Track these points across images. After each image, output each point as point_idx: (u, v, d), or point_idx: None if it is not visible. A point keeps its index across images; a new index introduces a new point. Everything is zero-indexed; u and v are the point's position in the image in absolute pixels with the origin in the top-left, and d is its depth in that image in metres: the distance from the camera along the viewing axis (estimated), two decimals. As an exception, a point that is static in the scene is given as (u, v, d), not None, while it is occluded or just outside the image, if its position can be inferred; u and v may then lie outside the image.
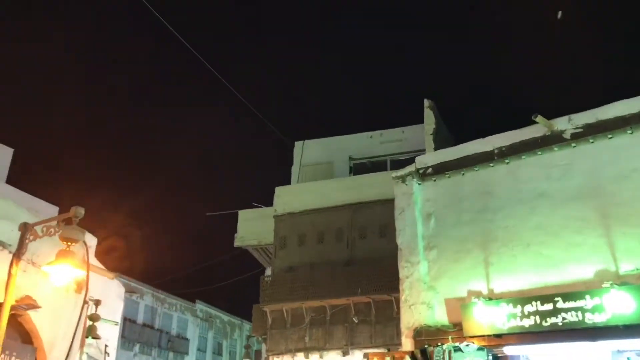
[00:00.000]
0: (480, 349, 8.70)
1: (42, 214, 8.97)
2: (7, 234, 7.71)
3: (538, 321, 8.43)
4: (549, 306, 8.40)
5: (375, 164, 17.90)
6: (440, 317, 9.58)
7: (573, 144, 9.25)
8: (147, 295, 32.27)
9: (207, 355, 36.53)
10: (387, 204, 13.97)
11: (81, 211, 6.81)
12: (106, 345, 17.27)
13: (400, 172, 10.60)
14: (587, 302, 8.03)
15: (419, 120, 16.73)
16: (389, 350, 9.78)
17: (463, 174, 10.18)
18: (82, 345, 9.90)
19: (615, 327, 7.82)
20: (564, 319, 8.13)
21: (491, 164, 9.87)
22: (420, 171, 10.46)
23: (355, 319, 14.67)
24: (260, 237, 18.50)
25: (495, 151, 9.77)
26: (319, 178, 17.69)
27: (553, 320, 8.29)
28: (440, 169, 10.31)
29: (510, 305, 8.73)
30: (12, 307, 8.33)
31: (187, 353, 34.34)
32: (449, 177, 10.29)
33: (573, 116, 9.35)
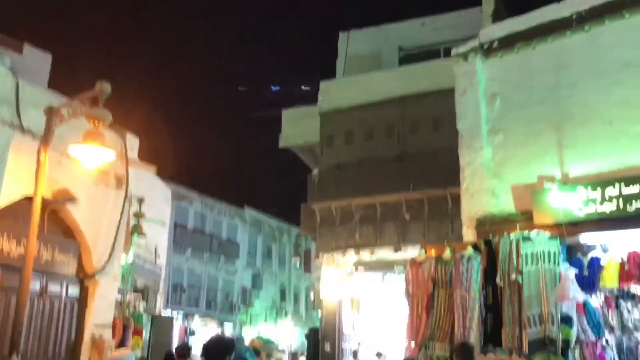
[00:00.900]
0: (552, 237, 7.87)
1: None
2: (37, 122, 7.11)
3: (621, 205, 7.50)
4: (634, 188, 7.42)
5: (427, 54, 16.50)
6: (506, 205, 8.74)
7: (669, 3, 7.86)
8: (196, 202, 32.69)
9: (257, 259, 37.39)
10: (441, 95, 12.85)
11: (107, 87, 6.09)
12: (156, 247, 17.38)
13: (462, 49, 9.42)
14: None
15: (476, 2, 15.19)
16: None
17: (534, 48, 8.93)
18: (126, 242, 9.58)
19: None
20: (651, 202, 7.19)
21: (568, 33, 8.56)
22: (485, 46, 9.25)
23: (406, 216, 14.03)
24: (306, 137, 17.72)
25: (574, 16, 8.43)
26: (366, 71, 16.48)
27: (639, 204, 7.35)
28: (508, 43, 9.07)
29: (589, 189, 7.79)
30: (50, 201, 7.94)
31: (237, 257, 35.17)
32: (517, 51, 9.06)
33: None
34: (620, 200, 7.49)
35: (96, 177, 8.82)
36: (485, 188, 8.90)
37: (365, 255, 14.48)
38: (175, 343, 23.05)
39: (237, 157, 56.62)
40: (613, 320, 8.07)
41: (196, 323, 30.12)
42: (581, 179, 8.09)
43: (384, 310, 14.97)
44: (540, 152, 8.56)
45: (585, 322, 7.81)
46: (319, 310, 15.72)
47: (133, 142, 13.04)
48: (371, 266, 14.29)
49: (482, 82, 9.24)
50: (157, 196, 16.71)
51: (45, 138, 6.41)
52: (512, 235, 8.09)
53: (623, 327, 8.07)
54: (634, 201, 7.36)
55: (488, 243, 8.37)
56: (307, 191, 15.70)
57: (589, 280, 7.71)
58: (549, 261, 7.81)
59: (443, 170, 13.48)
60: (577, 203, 7.87)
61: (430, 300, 8.56)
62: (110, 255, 8.89)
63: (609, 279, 7.63)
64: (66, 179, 8.08)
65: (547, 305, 7.57)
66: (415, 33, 16.86)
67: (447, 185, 13.38)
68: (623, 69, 8.07)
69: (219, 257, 33.79)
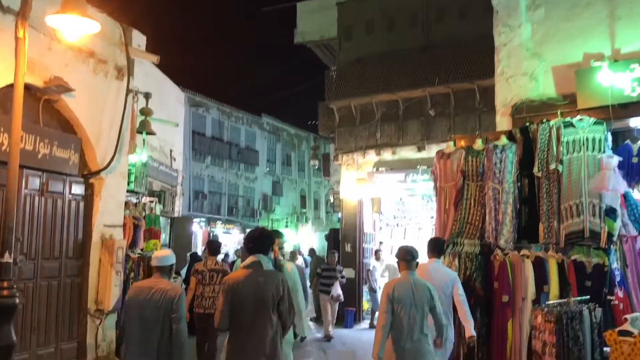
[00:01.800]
0: (597, 122, 7.02)
1: None
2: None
3: (681, 83, 6.58)
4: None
5: None
6: (546, 89, 7.84)
7: None
8: (213, 109, 32.13)
9: (276, 166, 37.20)
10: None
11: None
12: (171, 150, 16.89)
13: None
14: None
15: None
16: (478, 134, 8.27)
17: None
18: (133, 138, 8.97)
19: None
20: None
21: None
22: None
23: (431, 112, 13.18)
24: (323, 31, 16.60)
25: None
26: (387, -45, 15.00)
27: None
28: None
29: (644, 66, 6.84)
30: (42, 90, 7.27)
31: (257, 164, 34.97)
32: None
33: None
34: (681, 76, 6.56)
35: (94, 67, 8.10)
36: (522, 71, 7.96)
37: (387, 155, 13.81)
38: (198, 246, 23.36)
39: (252, 62, 55.04)
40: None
41: (219, 229, 30.38)
42: (636, 54, 7.12)
43: (406, 210, 14.55)
44: (588, 26, 7.53)
45: (626, 215, 7.13)
46: (339, 213, 15.33)
47: (140, 40, 12.18)
48: (393, 167, 13.65)
49: (521, -52, 8.06)
50: (168, 97, 16.00)
51: (22, 10, 5.62)
52: (553, 122, 7.27)
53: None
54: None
55: (525, 131, 7.57)
56: (325, 91, 14.80)
57: (638, 167, 6.95)
58: (593, 149, 7.01)
59: (471, 61, 12.51)
60: (629, 83, 6.95)
61: (459, 194, 7.92)
62: (115, 152, 8.33)
63: (661, 167, 6.87)
64: (59, 67, 7.36)
65: (589, 196, 6.87)
66: None
67: (475, 78, 12.49)
68: None
69: (239, 165, 33.63)
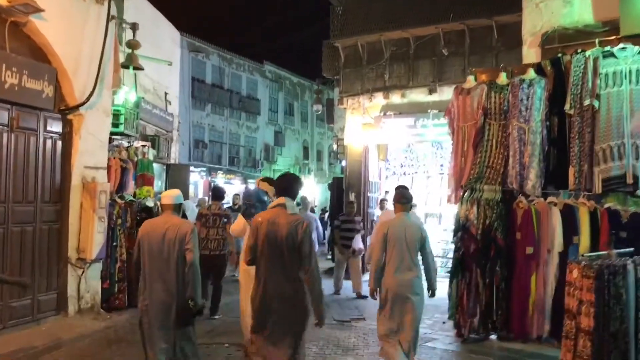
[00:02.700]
0: (643, 52, 6.13)
1: None
2: None
3: None
4: None
5: None
6: (582, 15, 6.90)
7: None
8: (213, 56, 31.03)
9: (278, 116, 36.25)
10: None
11: None
12: (166, 93, 15.97)
13: None
14: None
15: None
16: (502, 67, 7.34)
17: None
18: (116, 70, 8.09)
19: None
20: None
21: None
22: None
23: (444, 51, 12.17)
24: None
25: None
26: None
27: None
28: None
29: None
30: (7, 9, 6.34)
31: (259, 113, 34.06)
32: None
33: None
34: None
35: (68, -13, 7.15)
36: (556, -7, 7.01)
37: (396, 98, 12.86)
38: (199, 196, 22.74)
39: (254, 6, 53.10)
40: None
41: (220, 179, 29.74)
42: (691, -28, 6.15)
43: (414, 158, 13.75)
44: (635, -60, 6.51)
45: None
46: (343, 161, 14.52)
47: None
48: (402, 110, 12.75)
49: None
50: (162, 34, 15.01)
51: None
52: (589, 52, 6.37)
53: None
54: None
55: (556, 63, 6.68)
56: (330, 29, 13.71)
57: (689, 103, 6.09)
58: (637, 81, 6.14)
59: (489, -6, 11.46)
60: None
61: (480, 135, 7.08)
62: (95, 85, 7.46)
63: None
64: (25, -16, 6.42)
65: (633, 136, 6.04)
66: None
67: (493, 14, 11.47)
68: None
69: (240, 114, 32.76)
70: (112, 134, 9.27)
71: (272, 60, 35.67)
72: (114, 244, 7.81)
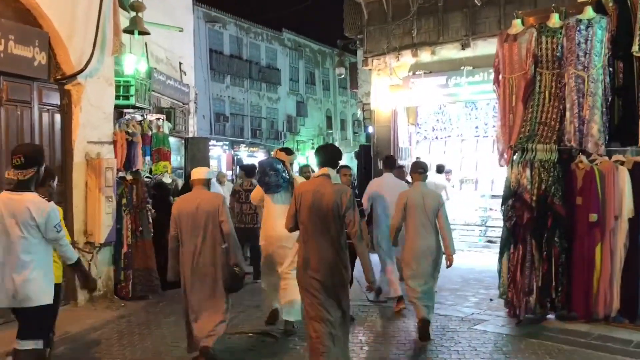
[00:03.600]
0: None
1: None
2: None
3: None
4: None
5: None
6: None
7: None
8: (230, 25, 30.25)
9: (300, 85, 35.42)
10: None
11: None
12: (180, 63, 15.17)
13: None
14: None
15: None
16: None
17: None
18: (116, 35, 7.31)
19: None
20: None
21: None
22: None
23: (477, 1, 11.11)
24: None
25: None
26: None
27: None
28: None
29: None
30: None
31: (279, 83, 33.31)
32: None
33: None
34: None
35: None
36: None
37: (425, 56, 11.94)
38: (222, 170, 22.19)
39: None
40: None
41: (242, 152, 29.20)
42: None
43: (447, 119, 12.84)
44: None
45: None
46: (369, 127, 13.65)
47: None
48: (432, 69, 11.83)
49: None
50: (172, 1, 14.13)
51: None
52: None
53: None
54: None
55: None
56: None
57: None
58: None
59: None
60: None
61: (530, 87, 6.16)
62: (93, 50, 6.71)
63: None
64: None
65: None
66: None
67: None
68: None
69: (260, 85, 32.06)
70: (122, 107, 8.60)
71: (291, 27, 34.64)
72: (118, 226, 7.12)
